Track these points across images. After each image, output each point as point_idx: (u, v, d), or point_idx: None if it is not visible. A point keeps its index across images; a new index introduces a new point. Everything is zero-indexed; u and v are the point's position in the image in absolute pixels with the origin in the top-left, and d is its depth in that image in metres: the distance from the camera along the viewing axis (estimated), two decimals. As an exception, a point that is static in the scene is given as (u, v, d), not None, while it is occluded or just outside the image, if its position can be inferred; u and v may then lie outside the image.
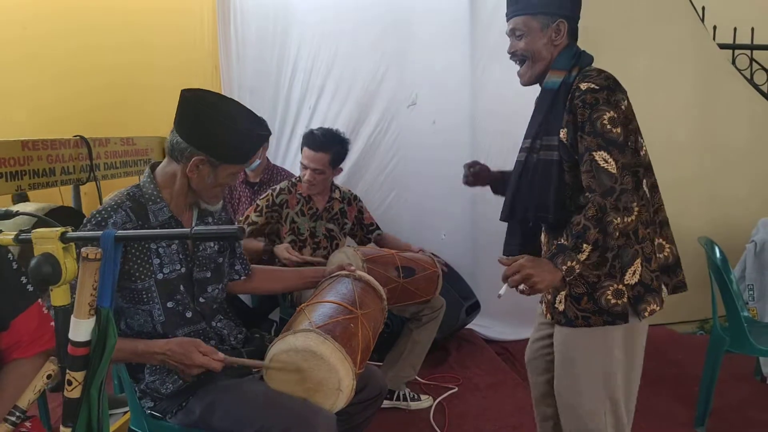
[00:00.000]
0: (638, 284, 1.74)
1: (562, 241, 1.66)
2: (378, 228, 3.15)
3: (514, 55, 1.85)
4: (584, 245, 1.60)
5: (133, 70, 3.67)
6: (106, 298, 1.01)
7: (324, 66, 3.89)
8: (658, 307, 1.76)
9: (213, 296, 1.92)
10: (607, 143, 1.63)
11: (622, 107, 1.67)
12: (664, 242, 1.83)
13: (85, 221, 1.68)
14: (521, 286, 1.61)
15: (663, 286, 1.79)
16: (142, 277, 1.72)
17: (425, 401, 2.97)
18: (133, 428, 1.85)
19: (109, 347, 0.99)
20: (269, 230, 2.97)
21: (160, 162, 1.84)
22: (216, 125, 1.68)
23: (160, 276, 1.75)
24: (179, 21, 3.85)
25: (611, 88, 1.67)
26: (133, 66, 3.70)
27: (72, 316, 1.01)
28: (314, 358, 1.66)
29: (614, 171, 1.62)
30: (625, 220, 1.61)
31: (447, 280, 3.56)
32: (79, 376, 1.01)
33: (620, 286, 1.73)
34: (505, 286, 1.65)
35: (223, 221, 2.01)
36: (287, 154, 4.07)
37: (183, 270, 1.82)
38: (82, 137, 2.33)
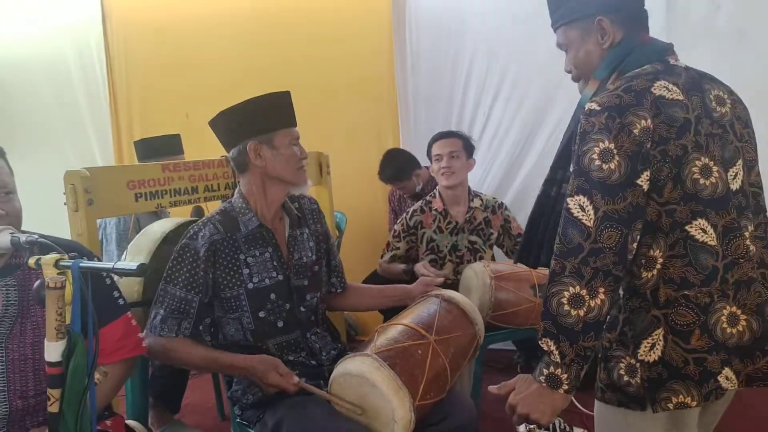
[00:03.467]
0: (659, 364, 1.29)
1: None
2: None
3: (569, 73, 1.56)
4: (542, 341, 1.27)
5: (310, 88, 3.97)
6: (76, 323, 1.10)
7: (499, 70, 3.73)
8: (694, 402, 1.28)
9: (313, 305, 1.98)
10: (590, 185, 1.25)
11: (635, 131, 1.24)
12: (739, 312, 1.30)
13: (183, 235, 1.87)
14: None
15: (723, 374, 1.30)
16: (230, 285, 1.84)
17: (577, 435, 2.67)
18: (233, 432, 1.98)
19: (71, 369, 1.08)
20: (412, 254, 2.93)
21: None
22: (240, 112, 1.86)
23: (250, 285, 1.86)
24: (357, 34, 4.01)
25: (619, 108, 1.26)
26: (311, 80, 4.00)
27: (45, 339, 1.11)
28: (367, 384, 1.62)
29: (589, 223, 1.23)
30: (597, 291, 1.22)
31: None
32: (56, 393, 1.11)
33: (632, 361, 1.31)
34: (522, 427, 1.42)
35: (319, 233, 2.06)
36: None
37: (280, 277, 1.90)
38: (226, 158, 2.55)
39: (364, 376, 1.61)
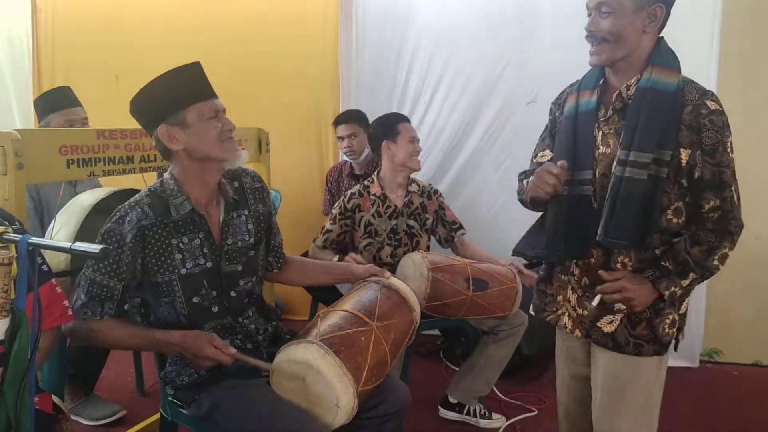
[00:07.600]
0: (684, 316, 1.75)
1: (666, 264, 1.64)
2: (461, 227, 2.99)
3: (592, 34, 1.63)
4: (690, 274, 1.62)
5: (252, 63, 3.92)
6: (21, 300, 1.04)
7: (441, 63, 3.77)
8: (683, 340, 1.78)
9: (246, 290, 1.92)
10: (734, 175, 1.61)
11: None
12: None
13: (109, 217, 1.75)
14: (617, 305, 1.64)
15: None
16: (162, 271, 1.76)
17: (497, 421, 2.79)
18: (162, 412, 1.93)
19: (15, 351, 1.02)
20: (347, 238, 2.91)
21: None
22: (147, 96, 1.73)
23: (183, 271, 1.78)
24: (303, 15, 3.99)
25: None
26: (253, 56, 4.00)
27: (-14, 315, 1.04)
28: (312, 371, 1.61)
29: (738, 205, 1.63)
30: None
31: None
32: (-3, 372, 1.05)
33: (676, 316, 1.71)
34: (598, 298, 1.66)
35: (261, 214, 1.97)
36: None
37: (209, 264, 1.82)
38: (165, 127, 2.44)
39: (308, 363, 1.60)
